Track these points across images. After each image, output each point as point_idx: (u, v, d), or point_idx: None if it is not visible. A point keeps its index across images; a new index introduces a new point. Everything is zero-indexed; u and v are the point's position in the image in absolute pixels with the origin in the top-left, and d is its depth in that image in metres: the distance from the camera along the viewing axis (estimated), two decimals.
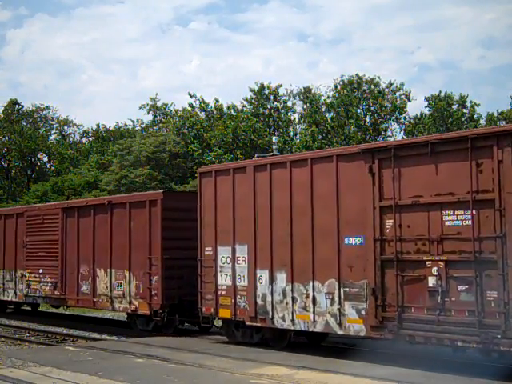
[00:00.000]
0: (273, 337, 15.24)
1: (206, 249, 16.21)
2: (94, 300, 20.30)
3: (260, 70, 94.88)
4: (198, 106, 53.95)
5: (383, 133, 51.87)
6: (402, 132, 53.35)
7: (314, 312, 13.84)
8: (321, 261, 13.75)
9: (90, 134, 70.58)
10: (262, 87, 51.87)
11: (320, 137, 46.69)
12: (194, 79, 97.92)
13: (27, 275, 22.97)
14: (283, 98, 52.85)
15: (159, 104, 60.86)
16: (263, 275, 14.88)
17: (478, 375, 11.24)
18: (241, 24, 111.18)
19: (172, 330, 18.49)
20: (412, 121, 52.73)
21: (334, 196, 13.62)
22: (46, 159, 67.09)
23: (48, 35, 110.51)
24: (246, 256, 15.24)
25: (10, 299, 24.18)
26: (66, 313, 24.81)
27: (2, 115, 63.93)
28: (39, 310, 27.75)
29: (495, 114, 54.52)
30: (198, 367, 13.09)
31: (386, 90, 50.92)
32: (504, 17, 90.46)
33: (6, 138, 62.57)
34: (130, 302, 18.96)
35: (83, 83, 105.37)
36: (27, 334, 21.03)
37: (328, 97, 51.40)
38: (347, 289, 13.26)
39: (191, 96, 53.97)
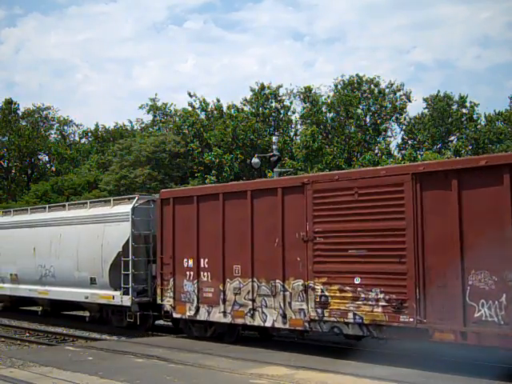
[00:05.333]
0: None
1: None
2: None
3: (256, 70, 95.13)
4: (197, 105, 54.01)
5: (383, 133, 51.91)
6: (402, 132, 53.47)
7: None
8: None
9: (90, 135, 70.63)
10: (262, 87, 51.88)
11: (320, 137, 46.72)
12: (189, 79, 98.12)
13: (319, 287, 13.81)
14: (283, 98, 52.93)
15: (159, 104, 60.93)
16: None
17: (477, 375, 11.23)
18: (235, 23, 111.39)
19: None
20: (412, 121, 52.79)
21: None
22: (46, 159, 67.18)
23: (42, 34, 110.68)
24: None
25: (270, 325, 14.92)
26: (66, 313, 24.75)
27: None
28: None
29: (493, 114, 54.48)
30: (197, 367, 13.09)
31: (387, 90, 50.93)
32: (500, 15, 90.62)
33: (6, 138, 62.54)
34: None
35: (78, 82, 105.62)
36: (27, 334, 21.04)
37: (328, 97, 51.45)
38: None
39: (191, 96, 54.07)
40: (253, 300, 15.09)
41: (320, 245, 13.81)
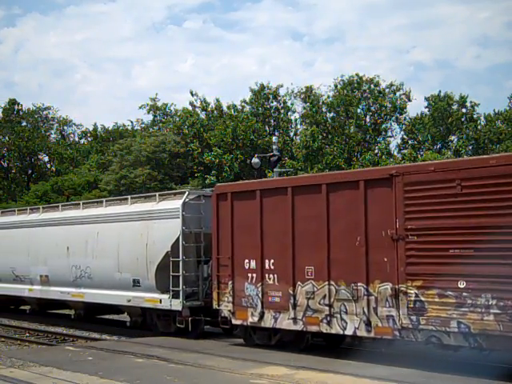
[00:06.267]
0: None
1: None
2: None
3: (255, 70, 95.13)
4: (198, 104, 54.03)
5: (383, 133, 51.90)
6: (402, 132, 53.45)
7: None
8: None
9: (89, 135, 70.64)
10: (262, 87, 51.88)
11: (320, 137, 46.73)
12: (189, 78, 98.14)
13: (412, 291, 12.32)
14: (283, 98, 52.91)
15: (159, 104, 60.94)
16: None
17: (477, 375, 11.23)
18: (234, 23, 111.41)
19: None
20: (412, 121, 52.75)
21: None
22: (46, 159, 67.19)
23: (41, 34, 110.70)
24: None
25: (350, 333, 13.38)
26: (66, 313, 24.72)
27: (0, 115, 63.91)
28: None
29: (493, 114, 54.49)
30: (198, 367, 13.08)
31: (387, 90, 50.92)
32: (499, 15, 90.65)
33: (6, 138, 62.54)
34: None
35: (77, 82, 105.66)
36: (27, 334, 21.02)
37: (328, 97, 51.45)
38: None
39: (192, 94, 54.06)
40: (330, 305, 13.55)
41: (413, 244, 12.32)
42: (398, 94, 51.46)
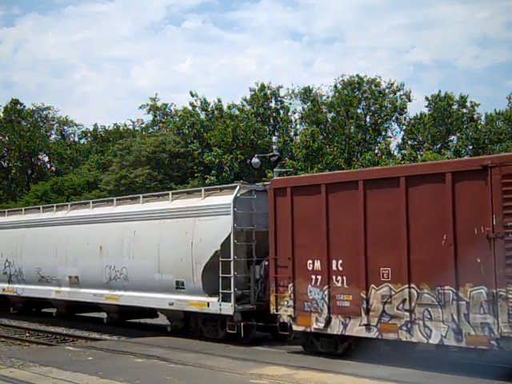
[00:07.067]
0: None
1: None
2: None
3: (255, 70, 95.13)
4: (198, 105, 54.01)
5: (383, 133, 51.92)
6: (402, 132, 53.45)
7: None
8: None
9: (89, 135, 70.67)
10: (262, 87, 51.88)
11: (320, 137, 46.75)
12: (188, 78, 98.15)
13: None
14: (283, 99, 52.93)
15: (159, 104, 60.97)
16: None
17: (478, 375, 11.22)
18: (233, 23, 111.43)
19: None
20: (412, 121, 52.76)
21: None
22: (46, 159, 67.21)
23: (40, 34, 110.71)
24: None
25: (436, 342, 12.08)
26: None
27: (1, 115, 63.92)
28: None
29: (493, 114, 54.48)
30: (198, 367, 13.07)
31: (387, 90, 50.94)
32: (498, 15, 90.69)
33: (6, 138, 62.56)
34: None
35: (76, 82, 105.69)
36: (27, 334, 20.98)
37: (328, 97, 51.47)
38: None
39: (192, 95, 54.07)
40: (410, 311, 12.27)
41: None
42: (398, 94, 51.52)
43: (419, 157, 45.20)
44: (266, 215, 15.69)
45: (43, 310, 25.73)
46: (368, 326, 12.92)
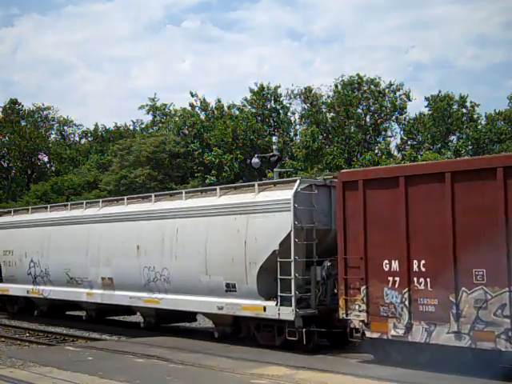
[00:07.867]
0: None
1: None
2: None
3: (254, 69, 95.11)
4: (198, 105, 54.02)
5: (383, 133, 51.95)
6: (402, 132, 53.47)
7: None
8: None
9: (89, 135, 70.70)
10: (262, 88, 51.89)
11: (320, 137, 46.76)
12: (187, 78, 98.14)
13: None
14: (283, 99, 52.97)
15: (158, 104, 60.97)
16: None
17: (478, 375, 11.22)
18: (232, 23, 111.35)
19: None
20: (412, 121, 52.79)
21: None
22: (46, 159, 67.20)
23: (39, 34, 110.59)
24: None
25: None
26: (66, 313, 24.66)
27: (0, 115, 63.91)
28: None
29: (493, 114, 54.49)
30: (198, 367, 13.08)
31: (386, 90, 50.96)
32: (496, 15, 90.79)
33: (6, 138, 62.57)
34: None
35: (76, 82, 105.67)
36: (27, 334, 20.98)
37: (328, 97, 51.50)
38: None
39: (192, 95, 54.08)
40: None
41: None
42: (397, 93, 51.54)
43: (419, 157, 45.23)
44: (325, 212, 14.99)
45: (68, 313, 24.36)
46: (458, 334, 11.69)
